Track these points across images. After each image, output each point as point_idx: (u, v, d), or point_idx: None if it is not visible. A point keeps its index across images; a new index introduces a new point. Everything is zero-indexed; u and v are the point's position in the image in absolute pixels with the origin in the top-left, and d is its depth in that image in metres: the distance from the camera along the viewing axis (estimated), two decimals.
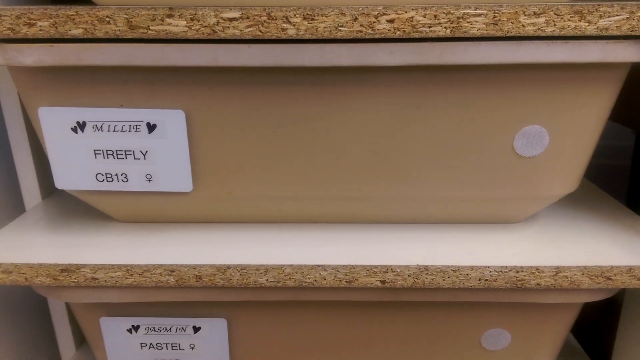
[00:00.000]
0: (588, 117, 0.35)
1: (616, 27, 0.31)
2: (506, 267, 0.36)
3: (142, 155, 0.37)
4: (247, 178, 0.38)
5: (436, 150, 0.37)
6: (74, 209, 0.46)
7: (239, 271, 0.37)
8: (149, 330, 0.42)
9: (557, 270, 0.35)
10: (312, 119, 0.36)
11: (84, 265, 0.37)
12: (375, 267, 0.36)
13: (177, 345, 0.42)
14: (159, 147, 0.36)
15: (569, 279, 0.35)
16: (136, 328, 0.42)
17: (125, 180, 0.38)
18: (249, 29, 0.32)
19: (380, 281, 0.36)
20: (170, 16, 0.32)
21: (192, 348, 0.42)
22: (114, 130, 0.36)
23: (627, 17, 0.31)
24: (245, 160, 0.38)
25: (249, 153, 0.37)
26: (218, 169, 0.38)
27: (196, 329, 0.41)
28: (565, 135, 0.36)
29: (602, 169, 0.81)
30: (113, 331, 0.42)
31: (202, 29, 0.32)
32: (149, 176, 0.37)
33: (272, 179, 0.38)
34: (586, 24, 0.31)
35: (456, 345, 0.43)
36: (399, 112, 0.35)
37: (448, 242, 0.38)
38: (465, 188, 0.38)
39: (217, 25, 0.32)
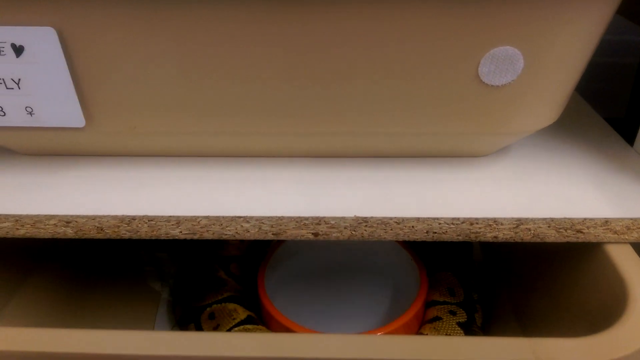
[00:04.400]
0: (576, 36, 0.28)
1: None
2: (458, 219, 0.30)
3: (15, 85, 0.29)
4: (153, 110, 0.31)
5: (383, 80, 0.29)
6: None
7: (146, 222, 0.31)
8: None
9: (519, 222, 0.30)
10: (224, 40, 0.28)
11: None
12: (306, 219, 0.31)
13: None
14: (32, 74, 0.29)
15: (532, 231, 0.30)
16: None
17: (2, 114, 0.31)
18: None
19: (313, 233, 0.31)
20: None
21: None
22: None
23: None
24: (148, 89, 0.30)
25: (150, 81, 0.30)
26: (116, 101, 0.31)
27: None
28: (544, 59, 0.28)
29: (609, 67, 0.72)
30: None
31: None
32: (29, 109, 0.30)
33: (182, 111, 0.31)
34: None
35: None
36: (339, 38, 0.27)
37: (393, 188, 0.32)
38: (420, 123, 0.31)
39: None
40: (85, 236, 0.32)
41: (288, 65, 0.29)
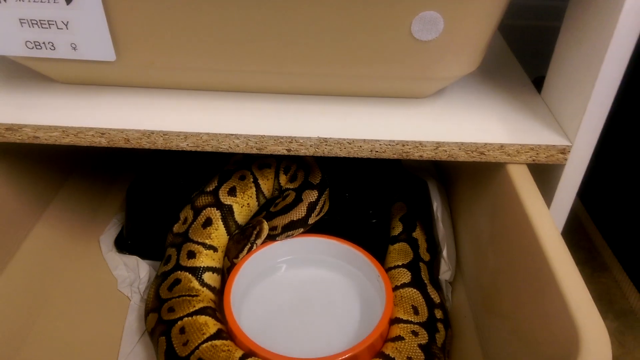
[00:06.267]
0: (485, 4, 0.37)
1: None
2: (394, 141, 0.40)
3: (65, 26, 0.39)
4: (168, 50, 0.41)
5: (340, 34, 0.39)
6: (19, 71, 0.49)
7: (162, 136, 0.41)
8: None
9: (438, 145, 0.40)
10: None
11: (25, 126, 0.41)
12: (282, 137, 0.41)
13: None
14: (77, 18, 0.38)
15: (447, 152, 0.41)
16: None
17: (52, 48, 0.40)
18: None
19: (286, 149, 0.42)
20: None
21: None
22: (34, 1, 0.38)
23: None
24: (164, 32, 0.40)
25: (167, 26, 0.39)
26: (139, 41, 0.40)
27: None
28: (460, 21, 0.38)
29: (533, 30, 0.79)
30: None
31: None
32: (73, 45, 0.40)
33: (189, 52, 0.41)
34: None
35: None
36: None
37: (347, 118, 0.43)
38: (368, 68, 0.41)
39: None
40: (115, 145, 0.42)
41: (269, 20, 0.38)
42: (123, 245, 0.58)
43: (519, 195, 0.39)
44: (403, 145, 0.41)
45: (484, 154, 0.41)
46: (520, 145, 0.40)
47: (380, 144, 0.41)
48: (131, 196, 0.56)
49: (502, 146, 0.40)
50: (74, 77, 0.45)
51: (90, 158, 0.66)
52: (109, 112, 0.43)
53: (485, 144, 0.40)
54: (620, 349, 0.63)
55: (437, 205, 0.52)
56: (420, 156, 0.41)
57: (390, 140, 0.40)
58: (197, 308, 0.44)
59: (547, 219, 0.37)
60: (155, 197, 0.56)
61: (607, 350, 0.28)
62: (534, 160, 0.41)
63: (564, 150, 0.40)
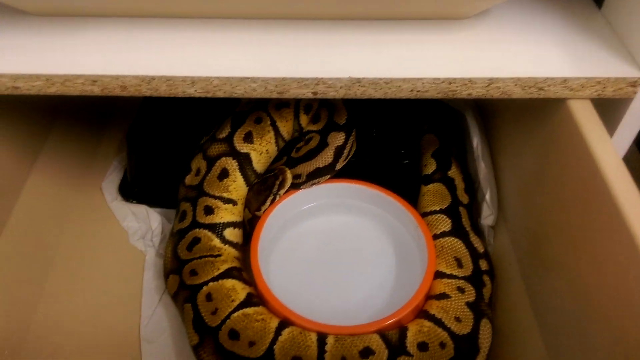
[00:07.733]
0: None
1: None
2: (439, 79, 0.34)
3: None
4: None
5: None
6: None
7: (165, 82, 0.35)
8: None
9: (490, 81, 0.35)
10: None
11: (2, 75, 0.35)
12: (307, 79, 0.35)
13: None
14: None
15: (501, 89, 0.35)
16: None
17: None
18: None
19: (312, 92, 0.36)
20: None
21: None
22: None
23: None
24: None
25: None
26: None
27: None
28: None
29: None
30: None
31: None
32: None
33: None
34: None
35: None
36: None
37: (383, 51, 0.36)
38: None
39: None
40: (110, 94, 0.36)
41: None
42: (129, 192, 0.53)
43: (583, 134, 0.34)
44: (450, 84, 0.35)
45: (543, 90, 0.35)
46: (585, 78, 0.34)
47: (422, 83, 0.35)
48: (132, 138, 0.51)
49: (565, 80, 0.35)
50: (50, 7, 0.38)
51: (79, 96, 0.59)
52: (100, 54, 0.36)
53: (546, 78, 0.34)
54: None
55: (477, 142, 0.46)
56: (469, 95, 0.35)
57: (434, 79, 0.35)
58: (221, 270, 0.41)
59: (616, 160, 0.32)
60: (159, 139, 0.50)
61: None
62: (599, 95, 0.35)
63: (635, 83, 0.35)
